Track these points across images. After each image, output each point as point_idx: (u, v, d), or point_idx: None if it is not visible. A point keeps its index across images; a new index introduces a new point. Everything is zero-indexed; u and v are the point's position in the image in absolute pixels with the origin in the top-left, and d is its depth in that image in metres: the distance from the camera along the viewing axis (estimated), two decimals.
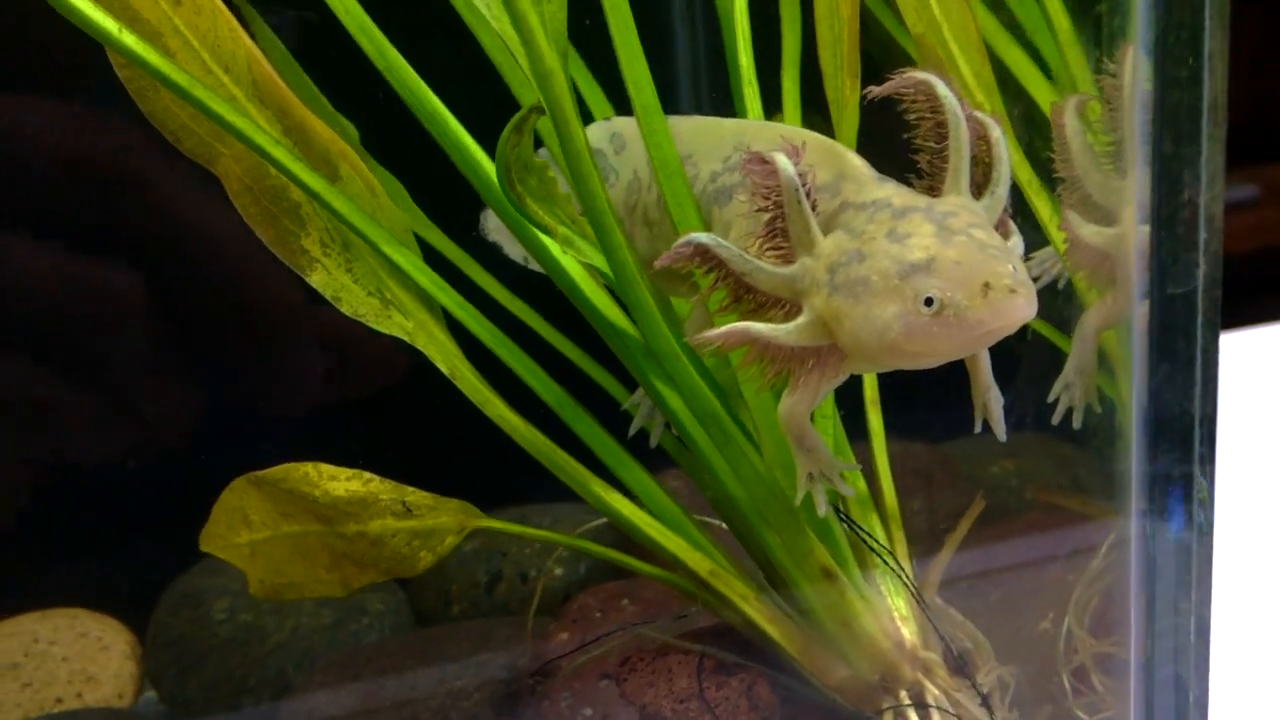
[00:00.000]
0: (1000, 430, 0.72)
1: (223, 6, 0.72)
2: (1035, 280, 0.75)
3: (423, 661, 0.96)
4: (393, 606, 1.08)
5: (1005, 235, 0.68)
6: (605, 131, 0.79)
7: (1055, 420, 0.74)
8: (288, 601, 0.90)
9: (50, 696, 0.98)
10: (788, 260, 0.64)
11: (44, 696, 0.98)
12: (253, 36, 0.86)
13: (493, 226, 0.82)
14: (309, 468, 0.76)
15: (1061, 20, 0.74)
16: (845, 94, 0.77)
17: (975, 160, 0.67)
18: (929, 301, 0.60)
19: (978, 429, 0.72)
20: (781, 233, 0.64)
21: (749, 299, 0.64)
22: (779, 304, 0.65)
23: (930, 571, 0.76)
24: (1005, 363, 0.76)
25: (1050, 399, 0.75)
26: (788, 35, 0.81)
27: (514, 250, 0.83)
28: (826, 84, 0.80)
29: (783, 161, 0.63)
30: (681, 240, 0.64)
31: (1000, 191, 0.67)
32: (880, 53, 0.84)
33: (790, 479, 0.69)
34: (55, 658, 1.01)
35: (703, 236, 0.64)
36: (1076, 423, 0.73)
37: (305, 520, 0.77)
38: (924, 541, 0.84)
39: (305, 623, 1.03)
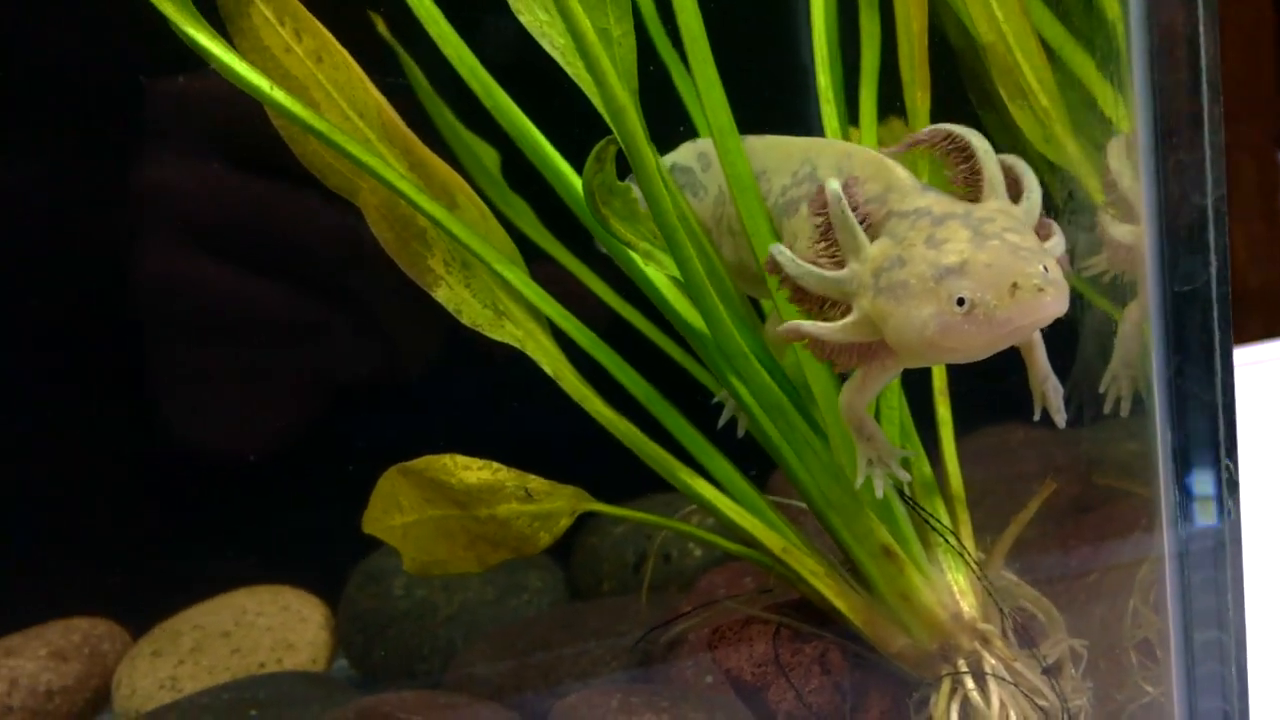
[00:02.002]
0: (1060, 418, 0.77)
1: (354, 62, 0.83)
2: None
3: (569, 633, 1.06)
4: (550, 584, 1.19)
5: (1046, 235, 0.73)
6: (693, 151, 0.87)
7: (1106, 409, 0.78)
8: (435, 577, 1.01)
9: (255, 661, 1.11)
10: (840, 265, 0.71)
11: (249, 661, 1.11)
12: (401, 74, 0.98)
13: None
14: (447, 459, 0.86)
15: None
16: (918, 104, 0.83)
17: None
18: (961, 301, 0.65)
19: (1036, 417, 0.77)
20: (834, 240, 0.71)
21: (807, 300, 0.72)
22: (834, 304, 0.71)
23: (997, 549, 0.81)
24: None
25: (1100, 390, 0.79)
26: (867, 51, 0.86)
27: None
28: (905, 95, 0.86)
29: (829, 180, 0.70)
30: None
31: (1034, 197, 0.72)
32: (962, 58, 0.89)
33: (855, 465, 0.76)
34: (260, 628, 1.14)
35: (770, 248, 0.71)
36: (1124, 411, 0.77)
37: (445, 505, 0.87)
38: (1039, 522, 0.88)
39: (472, 598, 1.14)
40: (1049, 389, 0.77)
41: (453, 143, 0.98)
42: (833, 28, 0.89)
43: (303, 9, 0.82)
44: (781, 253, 0.70)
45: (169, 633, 1.14)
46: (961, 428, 0.92)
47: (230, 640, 1.13)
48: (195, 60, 0.84)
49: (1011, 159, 0.73)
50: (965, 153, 0.72)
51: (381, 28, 0.97)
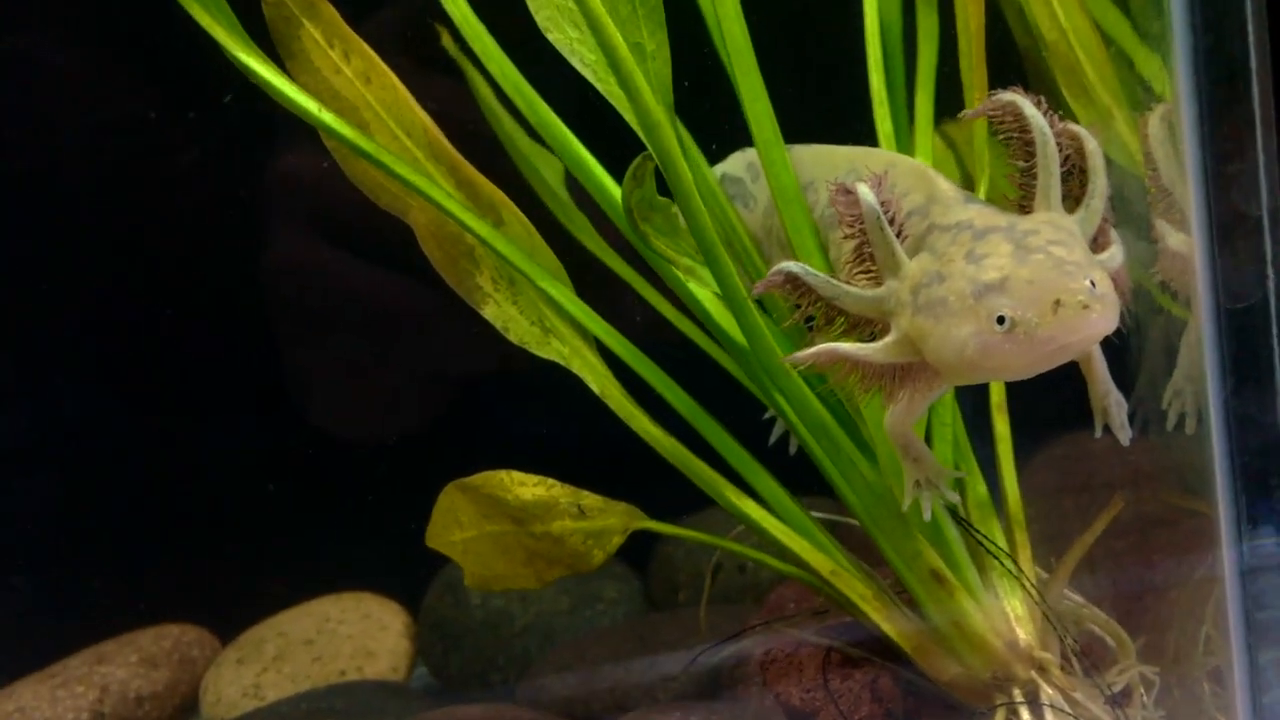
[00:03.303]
0: (1124, 435, 0.73)
1: (399, 82, 0.83)
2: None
3: (639, 647, 1.05)
4: (626, 594, 1.18)
5: (1104, 245, 0.69)
6: (743, 161, 0.85)
7: (1169, 426, 0.74)
8: (494, 592, 1.01)
9: (335, 669, 1.13)
10: (878, 282, 0.68)
11: (330, 669, 1.13)
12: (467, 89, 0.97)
13: None
14: (503, 475, 0.86)
15: None
16: (975, 107, 0.80)
17: (1072, 171, 0.69)
18: (1001, 320, 0.62)
19: (1098, 434, 0.73)
20: (869, 257, 0.68)
21: (841, 320, 0.69)
22: (870, 324, 0.69)
23: (1059, 570, 0.77)
24: None
25: (1164, 406, 0.74)
26: (924, 49, 0.83)
27: None
28: (965, 97, 0.83)
29: (864, 191, 0.67)
30: (773, 270, 0.69)
31: (1096, 203, 0.68)
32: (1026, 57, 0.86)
33: (903, 486, 0.73)
34: (342, 636, 1.15)
35: (792, 266, 0.69)
36: (1190, 428, 0.73)
37: (502, 521, 0.87)
38: (1126, 535, 0.84)
39: (546, 608, 1.14)
40: (1111, 404, 0.74)
41: (515, 157, 0.98)
42: (892, 26, 0.87)
43: (350, 31, 0.82)
44: (811, 273, 0.67)
45: (254, 640, 1.16)
46: (1034, 437, 0.88)
47: (312, 648, 1.14)
48: None
49: (1091, 146, 0.69)
50: (1029, 148, 0.69)
51: (447, 41, 0.97)
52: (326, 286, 1.09)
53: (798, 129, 0.85)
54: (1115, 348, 0.72)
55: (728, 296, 0.74)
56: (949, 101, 0.86)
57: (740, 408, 0.87)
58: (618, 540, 0.85)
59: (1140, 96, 0.75)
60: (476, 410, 1.15)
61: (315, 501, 1.20)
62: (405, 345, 1.12)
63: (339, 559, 1.21)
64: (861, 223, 0.68)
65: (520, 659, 1.12)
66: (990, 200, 0.75)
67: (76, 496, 1.20)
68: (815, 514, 0.79)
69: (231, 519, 1.20)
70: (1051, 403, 0.82)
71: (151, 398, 1.18)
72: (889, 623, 0.74)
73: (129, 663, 1.13)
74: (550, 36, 0.74)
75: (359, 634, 1.17)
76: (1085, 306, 0.62)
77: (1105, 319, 0.62)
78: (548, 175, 0.97)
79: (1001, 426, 0.79)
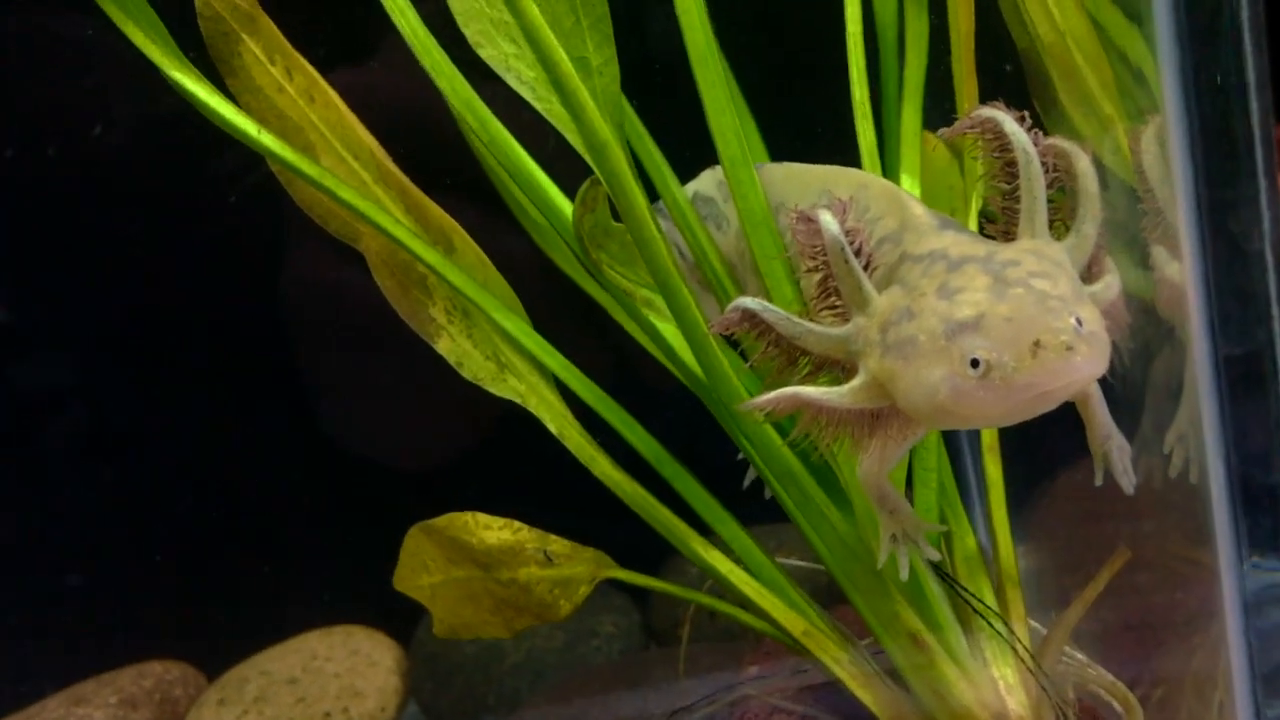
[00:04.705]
0: (1127, 483, 0.66)
1: (341, 101, 0.77)
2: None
3: (627, 688, 0.99)
4: (625, 629, 1.12)
5: (1098, 275, 0.62)
6: (714, 180, 0.79)
7: (1173, 473, 0.66)
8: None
9: (319, 711, 1.08)
10: (845, 318, 0.62)
11: (314, 711, 1.08)
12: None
13: None
14: (468, 517, 0.80)
15: None
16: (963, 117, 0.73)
17: (1063, 192, 0.62)
18: (976, 363, 0.56)
19: (1099, 481, 0.66)
20: (835, 291, 0.62)
21: (805, 361, 0.63)
22: (836, 365, 0.62)
23: (1057, 629, 0.70)
24: None
25: (1165, 451, 0.67)
26: (912, 59, 0.76)
27: None
28: (956, 108, 0.76)
29: (826, 219, 0.61)
30: (730, 306, 0.63)
31: (1087, 229, 0.61)
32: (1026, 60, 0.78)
33: (879, 540, 0.66)
34: (328, 674, 1.11)
35: (750, 301, 0.62)
36: (1194, 476, 0.65)
37: (468, 567, 0.81)
38: (1148, 570, 0.77)
39: (540, 644, 1.09)
40: (1112, 449, 0.66)
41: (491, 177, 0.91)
42: (888, 31, 0.80)
43: (290, 47, 0.77)
44: (770, 309, 0.61)
45: (236, 679, 1.12)
46: (1044, 469, 0.81)
47: (296, 688, 1.10)
48: None
49: (1082, 165, 0.62)
50: (1012, 169, 0.62)
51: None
52: (335, 307, 1.04)
53: (777, 145, 0.79)
54: (1116, 378, 0.64)
55: (686, 332, 0.68)
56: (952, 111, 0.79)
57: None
58: (585, 590, 0.79)
59: (1144, 104, 0.67)
60: (486, 440, 1.10)
61: (312, 528, 1.16)
62: (412, 370, 1.07)
63: (334, 589, 1.17)
64: (825, 254, 0.61)
65: (511, 698, 1.07)
66: (982, 225, 0.68)
67: (62, 525, 1.17)
68: (789, 561, 0.72)
69: (228, 546, 1.16)
70: (1064, 430, 0.75)
71: (135, 429, 1.15)
72: (866, 690, 0.68)
73: (108, 704, 1.09)
74: (482, 53, 0.68)
75: (346, 671, 1.12)
76: (1069, 348, 0.55)
77: (1092, 362, 0.55)
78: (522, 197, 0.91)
79: (993, 470, 0.72)
